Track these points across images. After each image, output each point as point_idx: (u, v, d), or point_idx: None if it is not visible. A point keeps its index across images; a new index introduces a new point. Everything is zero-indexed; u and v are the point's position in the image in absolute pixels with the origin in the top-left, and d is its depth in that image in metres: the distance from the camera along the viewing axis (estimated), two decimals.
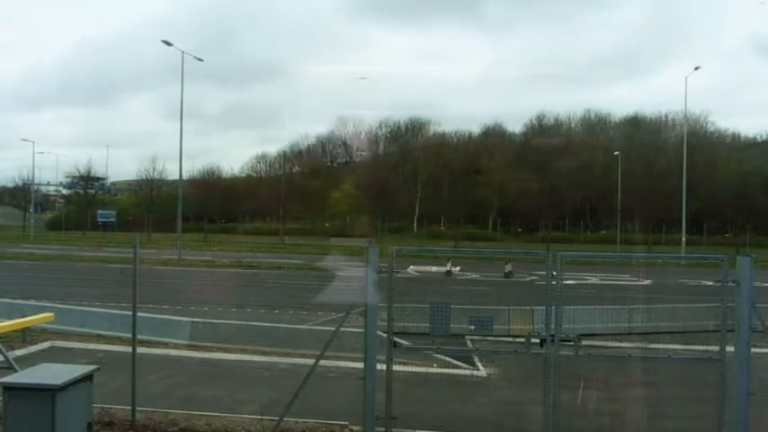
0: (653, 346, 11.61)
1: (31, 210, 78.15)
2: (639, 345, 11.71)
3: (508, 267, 30.48)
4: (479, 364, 11.54)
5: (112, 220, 79.74)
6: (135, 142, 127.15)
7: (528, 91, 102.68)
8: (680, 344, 12.18)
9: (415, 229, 69.62)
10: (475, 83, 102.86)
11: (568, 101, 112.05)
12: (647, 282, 24.22)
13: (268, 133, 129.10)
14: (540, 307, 8.04)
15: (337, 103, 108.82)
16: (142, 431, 7.71)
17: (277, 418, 7.39)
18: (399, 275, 7.15)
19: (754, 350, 6.50)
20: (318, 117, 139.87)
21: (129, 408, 7.82)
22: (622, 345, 12.38)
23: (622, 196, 56.99)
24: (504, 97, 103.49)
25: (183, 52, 41.11)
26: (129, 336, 8.24)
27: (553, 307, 6.84)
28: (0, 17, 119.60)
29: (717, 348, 6.62)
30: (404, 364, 8.87)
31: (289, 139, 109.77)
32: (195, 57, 42.56)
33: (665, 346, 11.35)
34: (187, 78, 46.69)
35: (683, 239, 46.12)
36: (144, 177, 77.91)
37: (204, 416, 8.28)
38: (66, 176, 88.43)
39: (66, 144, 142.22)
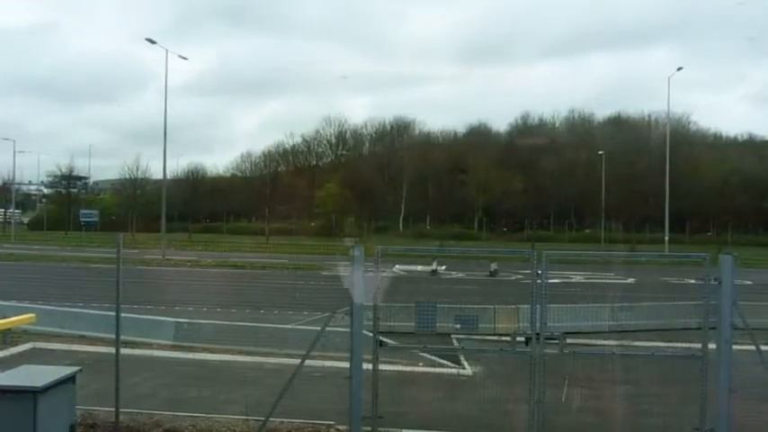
0: (636, 343, 11.72)
1: (11, 209, 77.11)
2: (623, 342, 11.80)
3: (493, 266, 30.57)
4: (465, 363, 11.57)
5: (95, 219, 78.77)
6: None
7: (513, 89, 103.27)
8: (663, 341, 12.31)
9: (401, 228, 69.69)
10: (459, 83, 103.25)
11: (553, 100, 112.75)
12: (630, 280, 24.39)
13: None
14: (526, 305, 8.08)
15: (321, 101, 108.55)
16: None
17: (263, 419, 7.35)
18: (385, 274, 7.15)
19: (735, 347, 6.56)
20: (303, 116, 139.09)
21: (113, 409, 7.72)
22: (606, 342, 12.46)
23: (606, 195, 57.53)
24: (489, 96, 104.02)
25: (166, 50, 41.02)
26: (113, 336, 8.14)
27: (538, 305, 6.87)
28: None
29: (699, 346, 6.69)
30: (390, 363, 8.89)
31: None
32: (179, 55, 42.49)
33: (648, 344, 11.48)
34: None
35: (666, 238, 46.52)
36: (127, 176, 77.28)
37: (189, 417, 8.23)
38: (48, 175, 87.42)
39: None
